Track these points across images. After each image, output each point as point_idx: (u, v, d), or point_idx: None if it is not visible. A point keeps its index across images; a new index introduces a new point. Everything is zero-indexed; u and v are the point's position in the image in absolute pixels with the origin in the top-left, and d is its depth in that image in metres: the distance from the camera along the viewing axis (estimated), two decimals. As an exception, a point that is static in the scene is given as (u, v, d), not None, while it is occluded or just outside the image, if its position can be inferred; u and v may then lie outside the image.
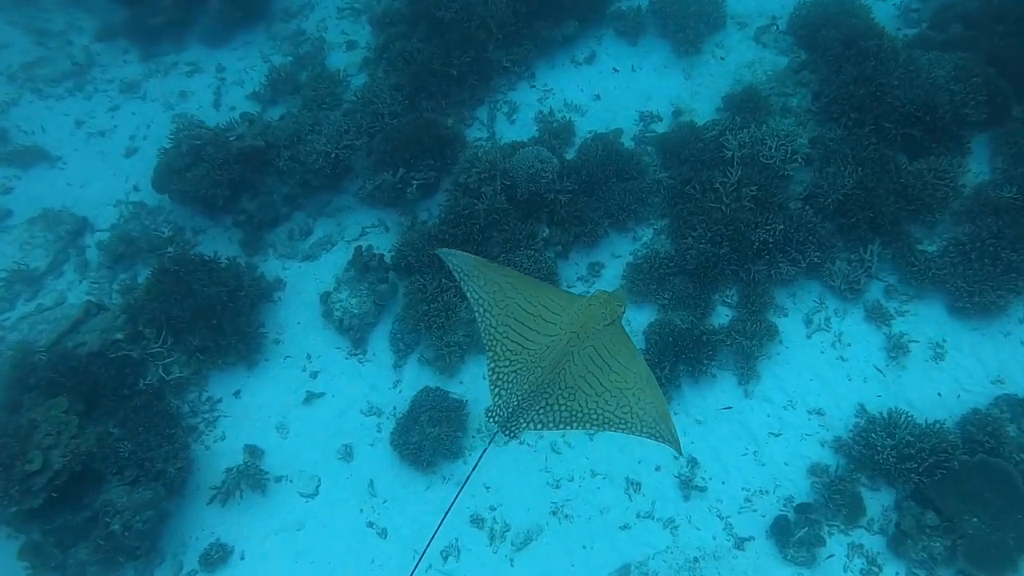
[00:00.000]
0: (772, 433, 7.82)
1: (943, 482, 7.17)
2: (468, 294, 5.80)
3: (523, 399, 5.50)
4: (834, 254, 8.46)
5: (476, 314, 5.80)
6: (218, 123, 9.36)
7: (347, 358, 8.55)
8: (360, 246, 8.70)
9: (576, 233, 8.67)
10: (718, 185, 8.50)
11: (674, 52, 10.06)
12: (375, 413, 8.23)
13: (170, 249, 8.97)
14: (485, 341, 5.72)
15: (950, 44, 9.47)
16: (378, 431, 8.15)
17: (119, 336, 8.37)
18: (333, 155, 8.88)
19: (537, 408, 5.51)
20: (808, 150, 8.84)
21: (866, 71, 8.89)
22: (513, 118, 9.80)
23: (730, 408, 7.90)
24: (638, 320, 8.39)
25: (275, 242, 9.19)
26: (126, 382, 8.09)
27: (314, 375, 8.50)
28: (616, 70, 10.00)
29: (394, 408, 8.20)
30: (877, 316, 8.27)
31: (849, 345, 8.20)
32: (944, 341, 8.13)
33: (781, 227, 8.29)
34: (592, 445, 7.92)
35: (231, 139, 8.99)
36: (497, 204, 8.46)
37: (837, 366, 8.12)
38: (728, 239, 8.31)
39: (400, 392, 8.31)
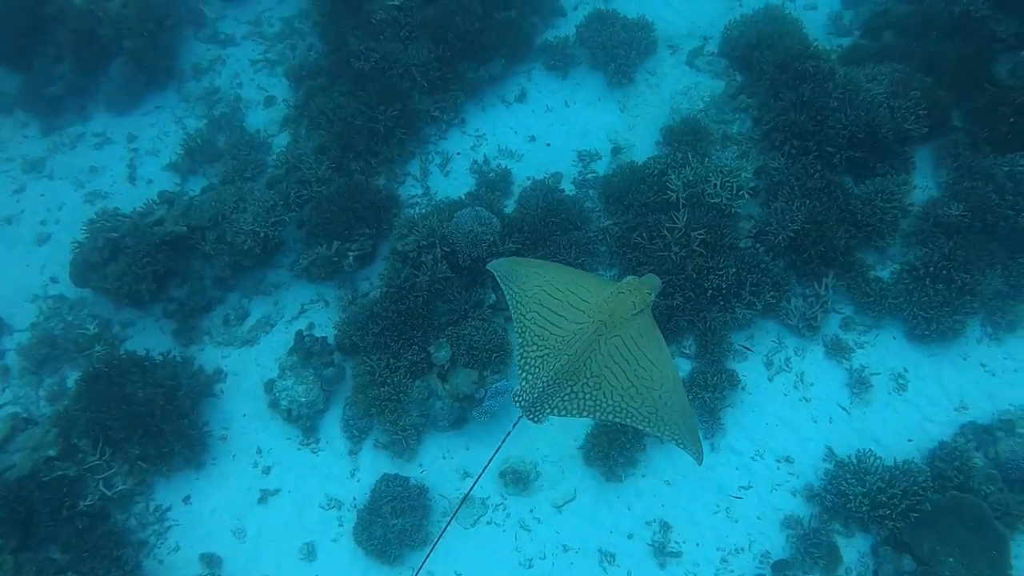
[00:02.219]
0: (742, 487, 7.62)
1: (917, 525, 7.06)
2: (503, 285, 5.98)
3: (548, 385, 5.57)
4: (789, 291, 8.20)
5: (507, 296, 5.93)
6: (135, 208, 8.68)
7: (299, 449, 8.10)
8: (301, 331, 8.20)
9: (524, 294, 8.25)
10: (665, 231, 8.16)
11: (607, 83, 9.60)
12: (335, 506, 7.83)
13: (98, 348, 8.40)
14: (515, 324, 5.82)
15: (884, 53, 9.22)
16: (340, 525, 7.76)
17: (52, 452, 7.79)
18: (262, 234, 8.29)
19: (562, 395, 5.58)
20: (753, 183, 8.52)
21: (804, 95, 8.57)
22: (447, 170, 9.28)
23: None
24: (597, 380, 8.05)
25: (211, 329, 8.62)
26: (65, 504, 7.55)
27: (267, 471, 8.04)
28: (549, 144, 9.50)
29: (354, 499, 7.81)
30: (837, 351, 8.08)
31: (812, 384, 8.01)
32: (906, 371, 7.99)
33: (734, 270, 8.02)
34: (561, 517, 7.66)
35: (150, 224, 8.34)
36: (439, 274, 8.03)
37: (801, 408, 7.93)
38: (680, 288, 8.01)
39: (359, 481, 7.91)
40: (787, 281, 8.21)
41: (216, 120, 9.73)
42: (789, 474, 7.63)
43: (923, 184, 8.76)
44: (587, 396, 5.59)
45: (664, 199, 8.40)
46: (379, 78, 9.02)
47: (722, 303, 8.03)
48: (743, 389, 7.98)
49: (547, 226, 8.45)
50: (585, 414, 5.60)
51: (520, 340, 5.77)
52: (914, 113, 8.52)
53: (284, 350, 8.32)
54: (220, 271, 8.57)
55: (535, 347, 5.73)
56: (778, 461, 7.70)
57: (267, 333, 8.63)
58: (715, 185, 8.30)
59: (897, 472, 7.24)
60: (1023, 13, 8.90)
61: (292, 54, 9.98)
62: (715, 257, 8.07)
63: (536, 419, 5.63)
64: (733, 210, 8.33)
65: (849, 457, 7.47)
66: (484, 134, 9.46)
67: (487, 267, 6.23)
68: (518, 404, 5.66)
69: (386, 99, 8.95)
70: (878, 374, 7.98)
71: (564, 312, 5.79)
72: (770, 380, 8.06)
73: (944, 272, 7.97)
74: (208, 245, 8.39)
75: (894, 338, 8.15)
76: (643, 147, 9.19)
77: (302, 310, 8.68)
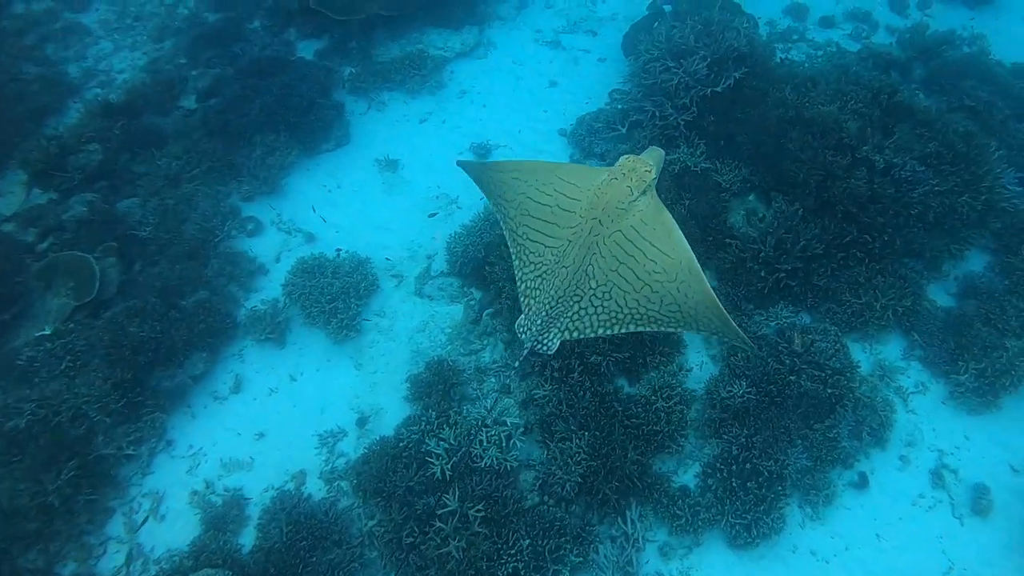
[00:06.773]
0: None
1: None
2: (488, 199, 5.54)
3: (553, 307, 5.12)
4: (594, 539, 7.14)
5: (496, 212, 5.44)
6: None
7: None
8: None
9: (295, 655, 6.68)
10: (439, 523, 6.88)
11: (332, 340, 8.32)
12: None
13: None
14: (511, 247, 5.33)
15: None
16: None
17: None
18: None
19: (570, 315, 5.12)
20: (522, 423, 7.49)
21: (548, 309, 7.68)
22: (162, 515, 7.48)
23: None
24: None
25: None
26: None
27: None
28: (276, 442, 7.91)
29: None
30: (664, 590, 7.09)
31: (648, 642, 6.95)
32: (740, 586, 7.14)
33: (527, 542, 6.94)
34: None
35: None
36: (176, 677, 6.28)
37: (645, 676, 6.84)
38: (474, 591, 6.73)
39: None
40: (589, 528, 7.22)
41: None
42: None
43: (697, 360, 8.20)
44: (598, 310, 5.10)
45: (429, 476, 7.17)
46: (43, 432, 7.23)
47: (526, 587, 6.84)
48: (581, 676, 6.79)
49: (298, 554, 6.96)
50: (601, 331, 5.10)
51: (516, 262, 5.30)
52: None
53: None
54: None
55: (531, 266, 5.19)
56: None
57: None
58: (482, 442, 7.21)
59: None
60: (737, 158, 8.67)
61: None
62: (502, 535, 6.91)
63: (546, 348, 5.19)
64: (509, 466, 7.23)
65: None
66: (200, 448, 7.79)
67: (457, 164, 5.81)
68: (522, 337, 5.22)
69: (56, 458, 7.17)
70: (713, 601, 7.09)
71: (555, 218, 5.18)
72: (605, 653, 6.93)
73: (748, 467, 7.29)
74: None
75: (718, 551, 7.34)
76: (392, 408, 7.96)
77: None
